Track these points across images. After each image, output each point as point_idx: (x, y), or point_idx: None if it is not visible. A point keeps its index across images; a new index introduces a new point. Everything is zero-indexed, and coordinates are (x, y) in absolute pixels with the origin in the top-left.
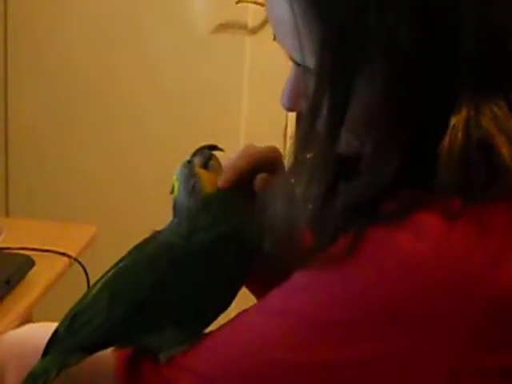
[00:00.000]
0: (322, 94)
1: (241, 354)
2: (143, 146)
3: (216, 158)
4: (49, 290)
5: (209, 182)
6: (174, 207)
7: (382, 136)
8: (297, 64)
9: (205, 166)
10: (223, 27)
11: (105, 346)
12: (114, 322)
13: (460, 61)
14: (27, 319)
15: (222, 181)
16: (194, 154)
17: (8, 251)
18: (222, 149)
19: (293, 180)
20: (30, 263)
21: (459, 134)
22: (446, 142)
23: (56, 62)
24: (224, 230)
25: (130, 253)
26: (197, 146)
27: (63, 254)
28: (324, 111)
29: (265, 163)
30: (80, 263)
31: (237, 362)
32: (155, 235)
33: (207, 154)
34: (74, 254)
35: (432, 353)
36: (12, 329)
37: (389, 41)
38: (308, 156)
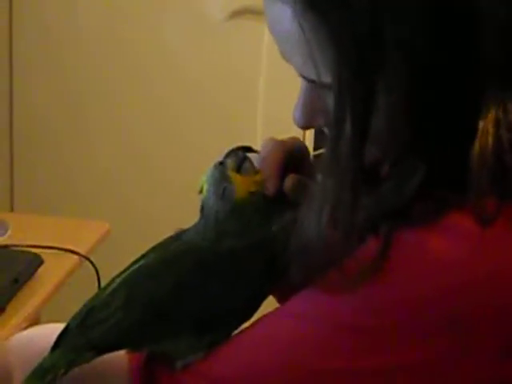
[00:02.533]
0: (344, 110)
1: (263, 360)
2: (159, 137)
3: (250, 161)
4: (58, 289)
5: (241, 186)
6: (202, 208)
7: (406, 146)
8: (308, 80)
9: (238, 168)
10: (240, 13)
11: (117, 348)
12: (129, 323)
13: (481, 62)
14: (35, 319)
15: (267, 180)
16: (227, 156)
17: (15, 248)
18: (257, 150)
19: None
20: (38, 261)
21: (489, 138)
22: (476, 146)
23: (66, 48)
24: (255, 239)
25: (151, 250)
26: (215, 135)
27: (73, 252)
28: (347, 126)
29: (295, 157)
30: (91, 261)
31: (258, 368)
32: (180, 234)
33: (241, 156)
34: (84, 252)
35: (467, 358)
36: (21, 330)
37: (406, 51)
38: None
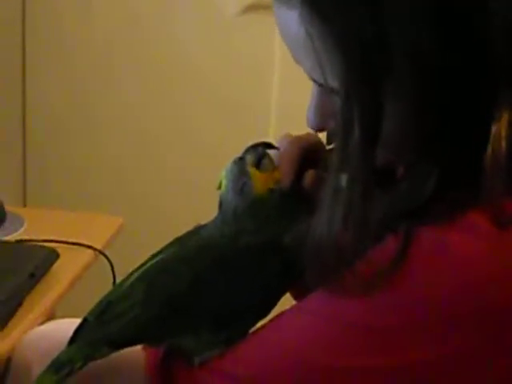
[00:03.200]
0: (352, 115)
1: (278, 358)
2: (173, 132)
3: (269, 157)
4: (74, 284)
5: (260, 182)
6: (220, 204)
7: (417, 150)
8: (318, 84)
9: (257, 164)
10: (253, 8)
11: (134, 343)
12: (147, 318)
13: (492, 64)
14: (51, 314)
15: (283, 176)
16: (247, 151)
17: (31, 243)
18: (277, 147)
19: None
20: (54, 256)
21: (503, 141)
22: (489, 149)
23: (79, 45)
24: (271, 237)
25: (170, 245)
26: (228, 131)
27: (88, 247)
28: (355, 131)
29: (312, 151)
30: (106, 256)
31: (273, 366)
32: (198, 230)
33: (261, 151)
34: (99, 247)
35: (486, 356)
36: (37, 324)
37: (413, 55)
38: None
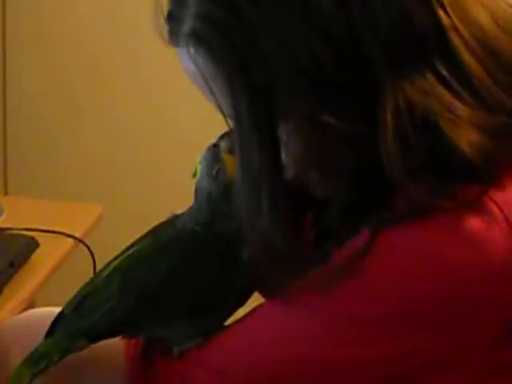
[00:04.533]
0: (249, 141)
1: (258, 348)
2: (154, 119)
3: None
4: (53, 272)
5: (233, 167)
6: (196, 192)
7: (321, 168)
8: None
9: (231, 150)
10: None
11: (111, 335)
12: (123, 309)
13: (365, 52)
14: (31, 303)
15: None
16: (221, 138)
17: (10, 232)
18: None
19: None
20: (33, 245)
21: (389, 134)
22: (383, 140)
23: (59, 26)
24: None
25: (145, 236)
26: (210, 121)
27: (68, 236)
28: (254, 156)
29: None
30: (86, 245)
31: (254, 356)
32: (173, 220)
33: None
34: (79, 235)
35: (459, 350)
36: (17, 313)
37: (290, 66)
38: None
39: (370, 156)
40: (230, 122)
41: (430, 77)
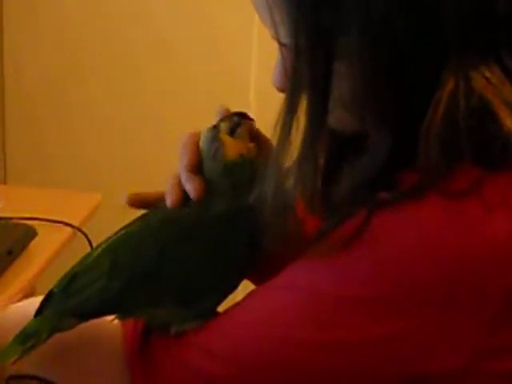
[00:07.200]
0: (301, 75)
1: (255, 332)
2: (147, 110)
3: (246, 127)
4: (52, 260)
5: (231, 148)
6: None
7: (369, 115)
8: (278, 43)
9: (231, 132)
10: None
11: (100, 314)
12: (113, 289)
13: (443, 30)
14: (30, 291)
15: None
16: (222, 120)
17: (9, 221)
18: (252, 118)
19: (281, 159)
20: (31, 233)
21: (441, 106)
22: (426, 118)
23: (54, 24)
24: (243, 202)
25: (137, 219)
26: (204, 109)
27: (66, 224)
28: (304, 87)
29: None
30: (83, 233)
31: (251, 340)
32: (165, 204)
33: (236, 120)
34: (77, 224)
35: (454, 331)
36: (15, 301)
37: (363, 16)
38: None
39: (413, 123)
40: (284, 56)
41: (495, 67)
